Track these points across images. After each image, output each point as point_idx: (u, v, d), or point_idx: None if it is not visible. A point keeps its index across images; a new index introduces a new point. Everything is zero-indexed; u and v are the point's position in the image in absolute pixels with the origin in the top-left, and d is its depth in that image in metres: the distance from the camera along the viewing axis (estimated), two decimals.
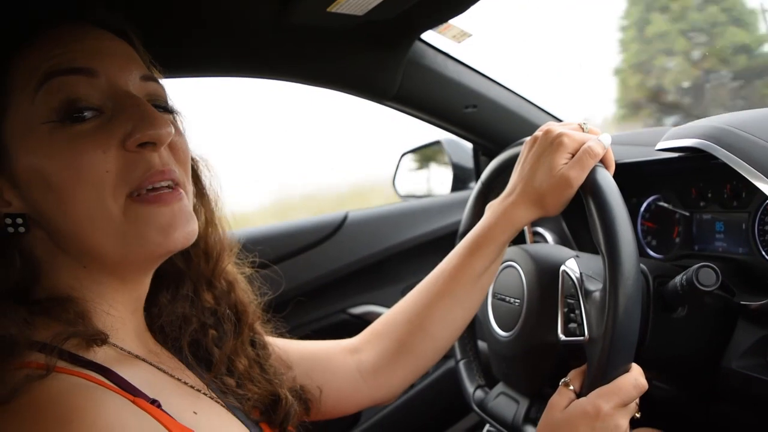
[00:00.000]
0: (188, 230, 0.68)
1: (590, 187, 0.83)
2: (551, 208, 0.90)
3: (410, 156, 2.02)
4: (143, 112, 0.65)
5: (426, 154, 2.02)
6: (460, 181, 1.86)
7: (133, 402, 0.60)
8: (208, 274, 0.81)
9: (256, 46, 1.14)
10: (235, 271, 0.86)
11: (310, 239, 1.60)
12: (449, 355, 1.17)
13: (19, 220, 0.65)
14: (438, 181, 1.93)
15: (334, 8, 1.02)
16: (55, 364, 0.58)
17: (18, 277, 0.63)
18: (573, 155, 0.87)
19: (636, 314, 0.76)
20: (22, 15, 0.67)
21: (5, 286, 0.62)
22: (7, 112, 0.64)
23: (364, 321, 1.59)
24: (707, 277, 0.88)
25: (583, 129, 0.91)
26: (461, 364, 1.18)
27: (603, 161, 0.87)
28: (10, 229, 0.65)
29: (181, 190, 0.69)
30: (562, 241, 1.46)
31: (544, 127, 0.92)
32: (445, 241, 1.63)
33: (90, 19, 0.70)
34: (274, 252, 1.53)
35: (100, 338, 0.63)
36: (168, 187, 0.67)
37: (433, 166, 1.95)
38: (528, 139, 0.95)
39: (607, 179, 0.83)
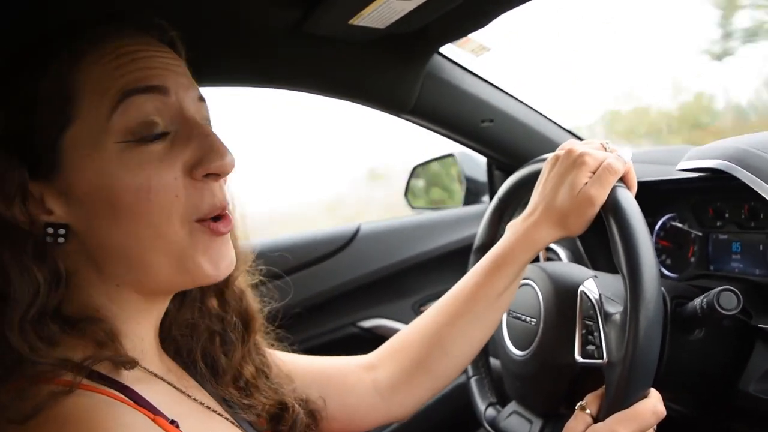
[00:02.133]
0: (231, 260, 0.70)
1: (611, 207, 0.82)
2: (574, 227, 0.88)
3: (422, 168, 2.02)
4: (212, 143, 0.66)
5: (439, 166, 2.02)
6: (473, 194, 1.85)
7: (153, 420, 0.60)
8: (222, 283, 0.81)
9: (275, 56, 1.14)
10: (246, 280, 0.86)
11: (323, 251, 1.60)
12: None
13: (62, 231, 0.64)
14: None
15: (356, 21, 1.01)
16: (80, 382, 0.58)
17: (52, 291, 0.62)
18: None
19: (657, 339, 0.75)
20: (80, 21, 0.67)
21: (41, 301, 0.61)
22: (72, 123, 0.62)
23: (374, 334, 1.59)
24: (729, 300, 0.87)
25: (605, 148, 0.90)
26: (473, 381, 1.16)
27: (625, 181, 0.86)
28: (49, 239, 0.63)
29: (230, 216, 0.70)
30: (576, 258, 1.45)
31: (565, 146, 0.91)
32: (458, 255, 1.62)
33: (141, 26, 0.70)
34: (286, 263, 1.53)
35: (130, 364, 0.63)
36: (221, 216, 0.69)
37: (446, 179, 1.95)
38: (549, 156, 0.94)
39: (628, 199, 0.82)
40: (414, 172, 2.02)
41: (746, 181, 0.93)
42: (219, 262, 0.68)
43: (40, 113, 0.62)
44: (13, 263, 0.61)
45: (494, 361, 1.18)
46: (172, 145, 0.65)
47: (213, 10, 0.99)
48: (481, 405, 1.13)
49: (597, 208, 0.84)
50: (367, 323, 1.64)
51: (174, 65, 0.69)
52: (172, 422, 0.61)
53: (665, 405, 0.78)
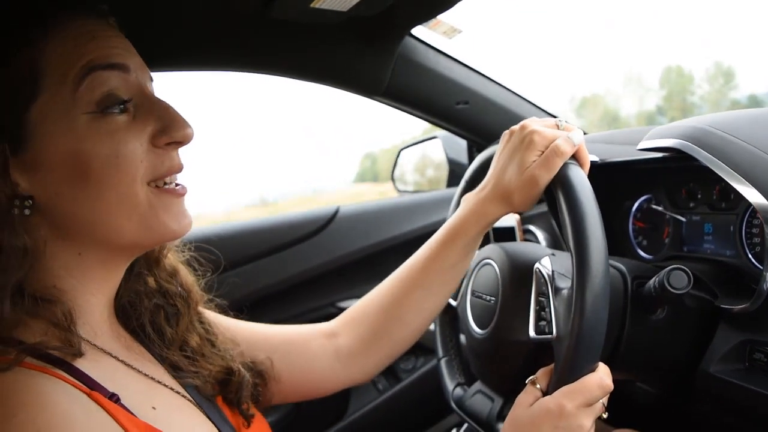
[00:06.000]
0: (190, 219, 0.75)
1: (561, 183, 0.83)
2: (519, 204, 0.90)
3: (408, 151, 2.02)
4: (174, 114, 0.72)
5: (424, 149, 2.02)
6: (457, 176, 1.84)
7: (89, 395, 0.61)
8: (153, 259, 0.85)
9: (240, 40, 1.15)
10: (176, 258, 0.90)
11: (301, 232, 1.61)
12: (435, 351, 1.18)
13: (28, 202, 0.66)
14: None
15: (317, 4, 1.02)
16: (22, 361, 0.59)
17: (17, 265, 0.64)
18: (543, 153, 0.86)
19: (603, 313, 0.75)
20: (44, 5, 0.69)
21: (6, 276, 0.63)
22: (39, 97, 0.65)
23: None
24: (678, 279, 0.87)
25: (558, 127, 0.90)
26: (443, 362, 1.18)
27: (577, 158, 0.86)
28: (16, 211, 0.66)
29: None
30: (552, 238, 1.45)
31: (520, 123, 0.92)
32: None
33: (98, 13, 0.73)
34: (265, 244, 1.55)
35: (76, 354, 0.65)
36: (179, 183, 0.75)
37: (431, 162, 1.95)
38: (505, 132, 0.95)
39: (578, 176, 0.82)
40: (400, 156, 2.02)
41: (704, 161, 0.92)
42: (181, 219, 0.73)
43: (6, 90, 0.65)
44: None
45: (465, 340, 1.19)
46: (135, 117, 0.70)
47: None
48: (449, 385, 1.15)
49: (541, 188, 0.86)
50: (346, 303, 1.65)
51: (129, 46, 0.73)
52: (112, 396, 0.63)
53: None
